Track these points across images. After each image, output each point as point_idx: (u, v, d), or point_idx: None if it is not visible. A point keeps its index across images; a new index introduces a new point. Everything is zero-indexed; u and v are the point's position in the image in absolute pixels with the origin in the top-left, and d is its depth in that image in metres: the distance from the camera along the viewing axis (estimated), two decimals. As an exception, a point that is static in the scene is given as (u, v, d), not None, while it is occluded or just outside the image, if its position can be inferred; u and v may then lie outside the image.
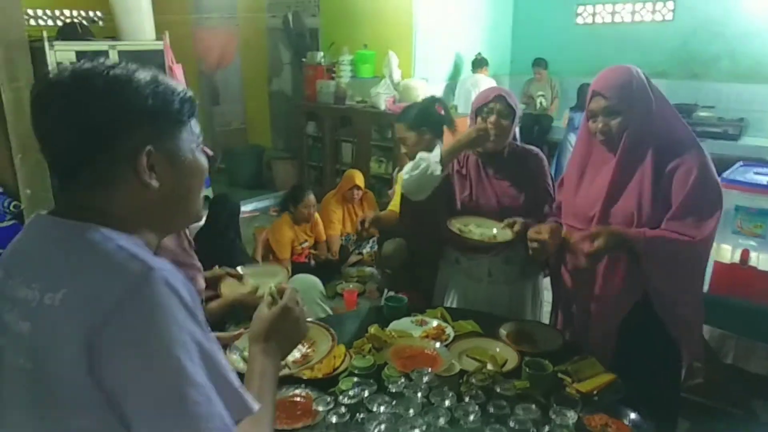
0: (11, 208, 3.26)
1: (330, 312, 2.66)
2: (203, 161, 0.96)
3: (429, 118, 2.51)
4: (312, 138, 6.65)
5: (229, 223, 3.92)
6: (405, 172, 2.19)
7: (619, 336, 1.94)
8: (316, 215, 4.49)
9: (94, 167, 0.86)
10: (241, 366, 1.24)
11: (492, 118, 2.14)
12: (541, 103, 6.75)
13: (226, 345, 1.26)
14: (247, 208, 6.48)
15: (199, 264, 1.89)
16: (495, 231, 2.11)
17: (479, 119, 2.19)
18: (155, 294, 0.77)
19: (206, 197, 5.98)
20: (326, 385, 1.71)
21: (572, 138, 6.59)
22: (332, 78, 6.38)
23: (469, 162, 2.28)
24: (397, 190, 2.60)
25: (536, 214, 2.18)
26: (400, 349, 1.83)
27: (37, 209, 3.49)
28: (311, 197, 4.31)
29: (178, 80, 4.10)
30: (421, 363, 1.75)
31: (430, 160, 2.14)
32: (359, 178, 4.70)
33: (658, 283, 1.83)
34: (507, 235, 2.09)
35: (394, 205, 2.67)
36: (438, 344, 1.83)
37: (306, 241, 4.42)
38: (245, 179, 7.27)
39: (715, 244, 2.40)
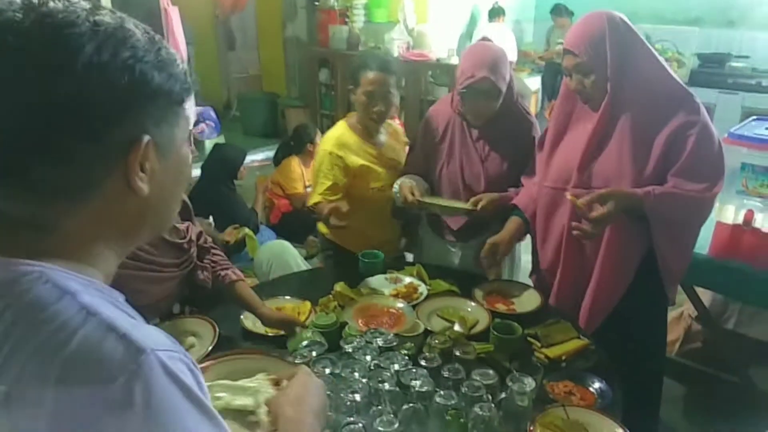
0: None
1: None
2: (190, 156, 0.73)
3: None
4: (324, 86, 6.50)
5: (228, 173, 3.84)
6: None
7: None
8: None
9: (56, 166, 0.58)
10: None
11: (478, 104, 2.02)
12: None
13: None
14: (258, 156, 6.43)
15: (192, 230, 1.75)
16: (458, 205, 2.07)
17: (463, 100, 2.04)
18: (153, 394, 0.54)
19: (217, 145, 5.98)
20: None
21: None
22: (345, 23, 6.17)
23: (454, 126, 2.15)
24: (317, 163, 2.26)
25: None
26: (364, 308, 1.76)
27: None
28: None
29: (173, 24, 4.01)
30: (384, 323, 1.68)
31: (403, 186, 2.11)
32: None
33: (663, 242, 1.71)
34: (466, 205, 2.04)
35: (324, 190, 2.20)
36: (402, 304, 1.75)
37: (310, 186, 4.34)
38: (259, 127, 7.19)
39: (717, 204, 2.24)
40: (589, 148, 1.73)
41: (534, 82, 6.66)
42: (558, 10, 6.53)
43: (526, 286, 2.00)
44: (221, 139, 6.61)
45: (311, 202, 2.23)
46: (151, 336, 0.58)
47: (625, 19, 1.72)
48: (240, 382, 1.12)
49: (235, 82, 8.18)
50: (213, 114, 6.64)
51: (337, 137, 2.24)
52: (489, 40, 2.22)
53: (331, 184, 2.18)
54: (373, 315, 1.72)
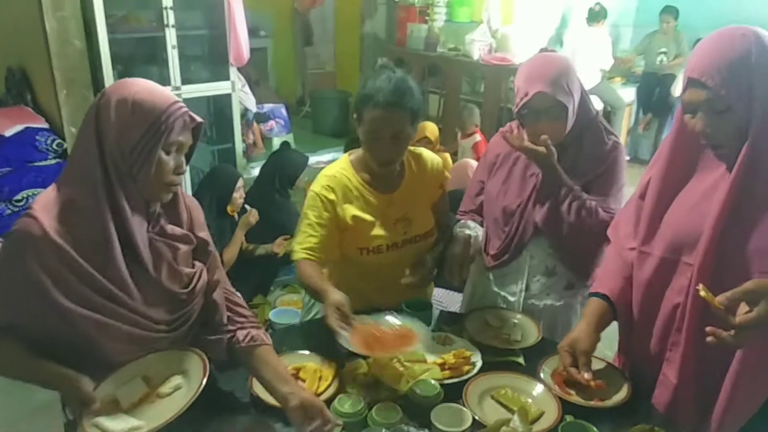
0: (54, 146, 3.13)
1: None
2: None
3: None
4: (398, 87, 6.17)
5: (285, 179, 3.59)
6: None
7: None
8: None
9: None
10: None
11: (540, 127, 1.64)
12: (662, 60, 5.79)
13: None
14: (324, 158, 6.20)
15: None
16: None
17: (523, 124, 1.70)
18: None
19: (285, 142, 5.79)
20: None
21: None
22: (425, 21, 5.82)
23: (518, 154, 1.78)
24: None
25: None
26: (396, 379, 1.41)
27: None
28: None
29: (235, 16, 3.78)
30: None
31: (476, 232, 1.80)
32: (430, 130, 4.18)
33: None
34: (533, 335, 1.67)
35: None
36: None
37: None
38: (329, 126, 6.96)
39: None
40: (723, 212, 1.26)
41: (628, 93, 6.06)
42: (669, 11, 5.81)
43: (607, 365, 1.57)
44: (290, 138, 6.44)
45: (294, 256, 1.71)
46: None
47: None
48: None
49: (310, 77, 8.00)
50: (284, 111, 6.48)
51: (331, 176, 1.72)
52: (551, 50, 1.83)
53: (318, 241, 1.68)
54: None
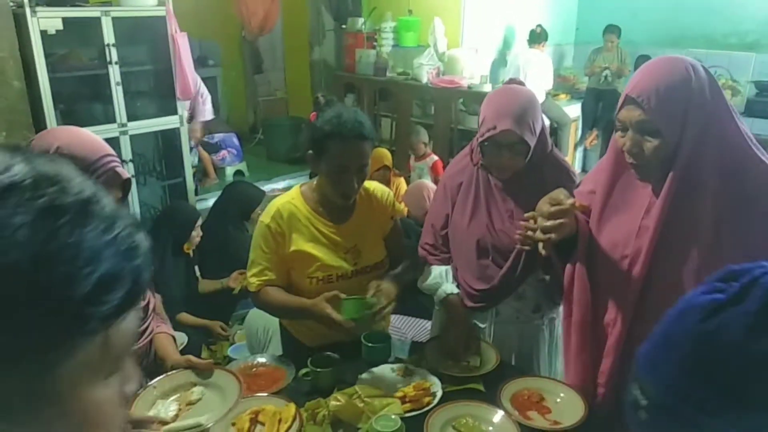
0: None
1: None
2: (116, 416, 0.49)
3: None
4: (350, 112, 6.21)
5: (240, 212, 3.54)
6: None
7: None
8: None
9: None
10: None
11: (501, 158, 1.69)
12: (606, 77, 6.00)
13: None
14: (279, 185, 6.16)
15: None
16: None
17: (484, 152, 1.72)
18: None
19: (238, 171, 5.63)
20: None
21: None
22: (373, 47, 5.89)
23: (478, 179, 1.81)
24: None
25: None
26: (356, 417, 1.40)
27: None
28: None
29: (180, 51, 3.76)
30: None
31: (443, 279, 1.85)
32: (386, 158, 4.21)
33: None
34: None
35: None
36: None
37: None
38: (283, 153, 6.92)
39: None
40: (655, 234, 1.31)
41: (574, 110, 6.24)
42: (612, 30, 6.00)
43: (565, 386, 1.60)
44: (243, 166, 6.39)
45: (251, 287, 1.77)
46: None
47: (709, 71, 1.29)
48: None
49: (261, 105, 7.97)
50: (236, 140, 6.43)
51: (280, 207, 1.74)
52: (519, 82, 1.87)
53: (271, 268, 1.73)
54: (370, 433, 1.36)
